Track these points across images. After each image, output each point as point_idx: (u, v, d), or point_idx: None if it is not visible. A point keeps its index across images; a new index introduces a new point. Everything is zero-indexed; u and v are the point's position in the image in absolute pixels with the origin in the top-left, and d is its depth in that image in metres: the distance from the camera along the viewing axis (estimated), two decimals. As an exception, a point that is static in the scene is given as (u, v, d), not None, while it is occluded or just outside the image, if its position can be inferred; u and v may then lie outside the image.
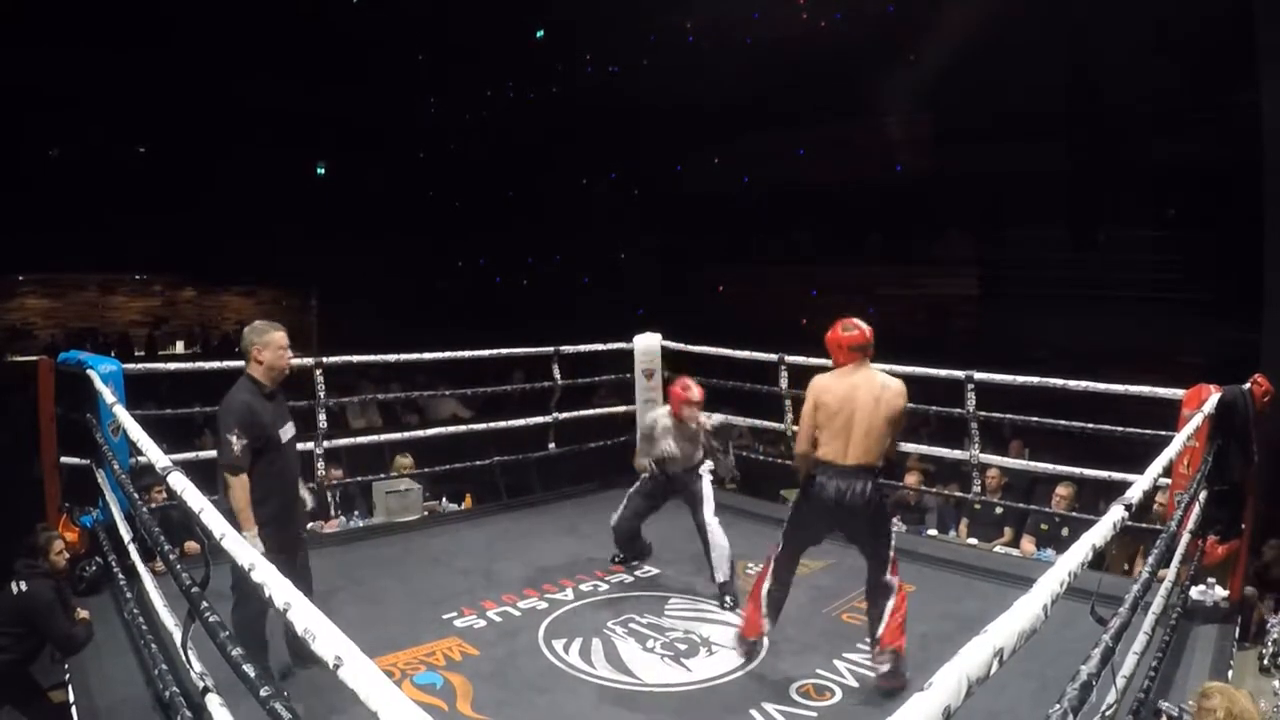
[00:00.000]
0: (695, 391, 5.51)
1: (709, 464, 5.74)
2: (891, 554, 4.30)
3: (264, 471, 3.92)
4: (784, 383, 7.29)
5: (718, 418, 5.81)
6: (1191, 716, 3.07)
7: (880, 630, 4.25)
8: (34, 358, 7.84)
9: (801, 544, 4.51)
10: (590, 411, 8.17)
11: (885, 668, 4.21)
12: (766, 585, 4.49)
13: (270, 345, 4.03)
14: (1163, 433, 5.15)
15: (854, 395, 4.16)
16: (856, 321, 4.31)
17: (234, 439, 3.82)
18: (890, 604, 4.26)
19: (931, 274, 15.00)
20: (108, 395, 4.79)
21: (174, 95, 16.01)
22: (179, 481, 2.99)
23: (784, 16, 14.17)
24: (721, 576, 5.39)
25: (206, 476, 5.92)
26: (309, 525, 6.89)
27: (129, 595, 4.53)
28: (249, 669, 2.13)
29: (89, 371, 5.12)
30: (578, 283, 19.41)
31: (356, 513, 7.23)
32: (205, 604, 2.52)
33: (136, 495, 4.03)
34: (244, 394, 3.97)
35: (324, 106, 17.27)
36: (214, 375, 5.84)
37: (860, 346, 4.26)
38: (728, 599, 5.34)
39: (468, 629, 4.90)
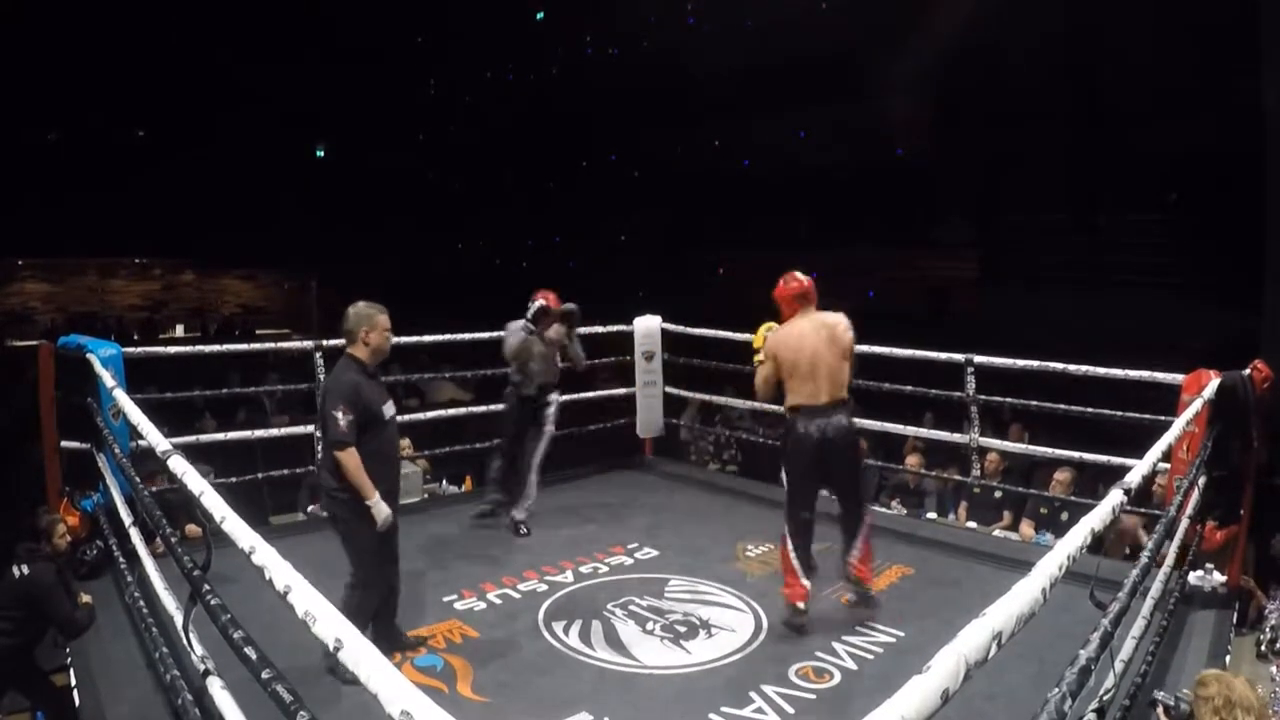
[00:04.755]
0: (553, 296, 6.07)
1: (557, 395, 6.28)
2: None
3: (370, 448, 4.03)
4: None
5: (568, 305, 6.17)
6: (1190, 705, 3.08)
7: (854, 559, 4.76)
8: (34, 342, 7.85)
9: (808, 494, 4.73)
10: (590, 394, 8.17)
11: (854, 598, 4.85)
12: (792, 546, 4.67)
13: (377, 328, 4.14)
14: (1162, 417, 5.15)
15: (806, 340, 4.56)
16: (796, 274, 4.73)
17: (340, 415, 3.93)
18: (861, 538, 4.76)
19: (931, 257, 15.00)
20: (108, 379, 4.80)
21: (172, 78, 15.94)
22: (179, 465, 2.99)
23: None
24: (521, 515, 6.17)
25: (206, 460, 5.95)
26: (309, 509, 6.93)
27: (130, 579, 4.53)
28: (250, 652, 2.14)
29: (89, 355, 5.12)
30: (577, 264, 19.38)
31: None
32: (207, 587, 2.53)
33: (137, 479, 4.04)
34: (351, 373, 4.09)
35: (323, 89, 17.20)
36: (215, 359, 5.85)
37: (801, 295, 4.67)
38: (523, 528, 6.13)
39: (468, 611, 4.92)
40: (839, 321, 4.63)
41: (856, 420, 4.88)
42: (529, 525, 6.18)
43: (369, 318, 4.14)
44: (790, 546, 4.67)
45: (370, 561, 4.09)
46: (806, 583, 4.65)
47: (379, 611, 4.19)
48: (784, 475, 4.79)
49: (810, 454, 4.58)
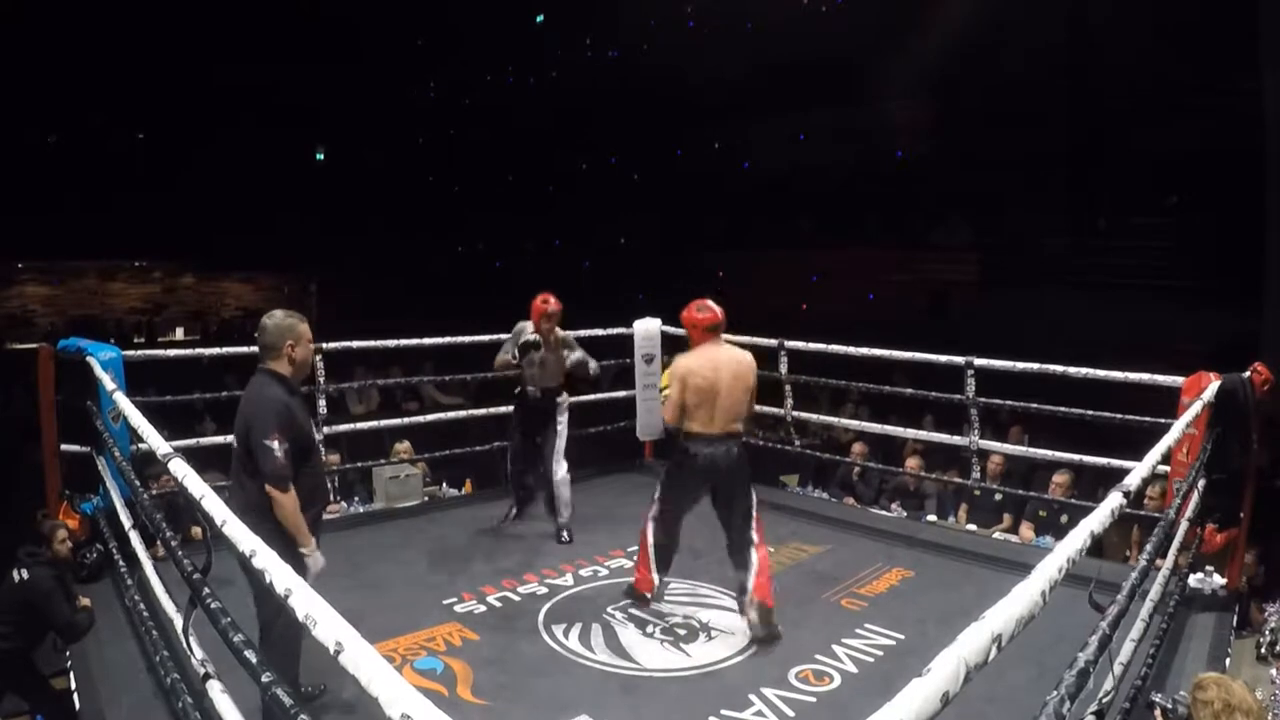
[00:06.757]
0: (554, 303, 5.87)
1: (567, 395, 6.16)
2: (754, 511, 4.71)
3: (305, 476, 3.49)
4: (783, 368, 7.29)
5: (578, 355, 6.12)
6: (1187, 708, 3.07)
7: (750, 583, 4.59)
8: (34, 345, 7.85)
9: (681, 505, 4.87)
10: (590, 396, 8.16)
11: (754, 615, 4.54)
12: (652, 541, 4.91)
13: (302, 340, 3.58)
14: (1162, 420, 5.14)
15: (717, 373, 4.61)
16: (708, 303, 4.75)
17: (276, 445, 3.32)
18: (755, 559, 4.61)
19: (931, 259, 14.99)
20: (108, 382, 4.80)
21: (173, 81, 15.95)
22: (180, 468, 2.99)
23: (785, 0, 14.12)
24: (563, 517, 6.06)
25: (206, 463, 5.94)
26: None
27: (130, 582, 4.54)
28: (250, 655, 2.13)
29: (89, 358, 5.12)
30: (578, 267, 19.39)
31: (357, 498, 7.24)
32: (207, 590, 2.53)
33: (137, 482, 4.04)
34: (278, 391, 3.47)
35: (323, 91, 17.21)
36: (215, 361, 5.83)
37: (714, 326, 4.72)
38: (564, 534, 6.05)
39: (468, 614, 4.91)
40: (749, 359, 4.77)
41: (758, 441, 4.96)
42: (570, 531, 6.09)
43: (292, 329, 3.55)
44: (651, 541, 4.91)
45: (287, 617, 3.46)
46: (657, 577, 4.94)
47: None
48: (660, 490, 4.91)
49: (696, 476, 4.70)
